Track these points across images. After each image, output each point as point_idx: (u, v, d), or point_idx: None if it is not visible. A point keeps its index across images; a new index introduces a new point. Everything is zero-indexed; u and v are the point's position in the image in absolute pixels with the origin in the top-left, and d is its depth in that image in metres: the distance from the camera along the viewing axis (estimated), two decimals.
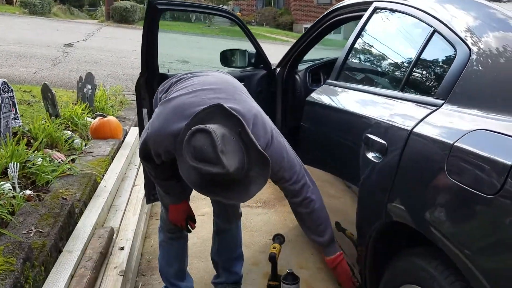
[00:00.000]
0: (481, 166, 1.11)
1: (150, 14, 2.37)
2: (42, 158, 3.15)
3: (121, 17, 19.60)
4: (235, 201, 1.53)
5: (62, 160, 3.34)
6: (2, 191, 2.50)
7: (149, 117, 2.45)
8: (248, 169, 1.50)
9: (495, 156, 1.08)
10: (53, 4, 21.08)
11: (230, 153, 1.44)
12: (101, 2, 29.48)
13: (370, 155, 1.64)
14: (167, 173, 1.97)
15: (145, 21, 2.41)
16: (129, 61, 10.45)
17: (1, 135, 3.48)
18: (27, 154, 3.10)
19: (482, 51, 1.37)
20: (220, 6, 23.48)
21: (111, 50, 12.07)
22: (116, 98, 6.67)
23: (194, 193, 2.33)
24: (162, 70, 2.61)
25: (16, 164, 2.79)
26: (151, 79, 2.54)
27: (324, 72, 3.37)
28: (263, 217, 3.48)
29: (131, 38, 14.90)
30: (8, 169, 2.81)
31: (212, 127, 1.46)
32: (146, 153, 1.83)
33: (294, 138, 3.42)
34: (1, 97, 3.68)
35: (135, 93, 2.64)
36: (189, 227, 2.13)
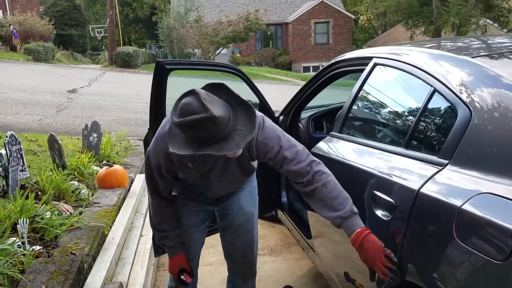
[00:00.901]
0: (489, 231, 1.15)
1: (159, 73, 2.47)
2: (50, 212, 3.17)
3: (124, 62, 20.00)
4: (226, 152, 1.53)
5: (70, 213, 3.37)
6: (12, 249, 2.51)
7: None
8: (235, 123, 1.56)
9: (503, 222, 1.11)
10: (56, 50, 21.54)
11: (215, 104, 1.53)
12: (103, 47, 30.18)
13: (379, 213, 1.68)
14: (166, 224, 2.02)
15: (154, 79, 2.50)
16: (133, 105, 10.61)
17: (10, 188, 3.52)
18: (35, 208, 3.13)
19: (483, 112, 1.43)
20: (221, 48, 24.09)
21: (114, 95, 12.28)
22: (121, 144, 6.75)
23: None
24: None
25: (26, 220, 2.81)
26: None
27: (327, 120, 3.45)
28: (271, 265, 3.47)
29: (134, 82, 15.18)
30: (17, 225, 2.83)
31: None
32: (150, 174, 1.90)
33: None
34: (9, 150, 3.74)
35: (143, 146, 2.70)
36: (184, 279, 2.12)
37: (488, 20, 22.99)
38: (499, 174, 1.26)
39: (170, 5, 28.88)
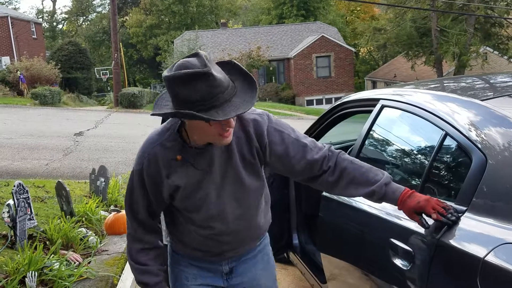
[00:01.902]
0: None
1: None
2: (59, 262, 3.13)
3: (129, 103, 20.21)
4: (221, 117, 1.37)
5: (79, 262, 3.32)
6: None
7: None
8: (234, 92, 1.43)
9: None
10: (62, 94, 21.85)
11: (215, 67, 1.41)
12: (109, 88, 30.66)
13: (397, 262, 1.62)
14: (145, 254, 1.67)
15: None
16: (139, 146, 10.64)
17: (18, 239, 3.48)
18: (43, 259, 3.08)
19: (498, 156, 1.40)
20: None
21: (120, 136, 12.35)
22: None
23: None
24: None
25: (34, 274, 2.77)
26: None
27: None
28: None
29: (139, 122, 15.30)
30: (26, 278, 2.79)
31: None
32: (131, 188, 1.68)
33: (310, 225, 3.42)
34: (17, 199, 3.72)
35: None
36: None
37: (488, 48, 23.23)
38: None
39: (173, 45, 29.48)
